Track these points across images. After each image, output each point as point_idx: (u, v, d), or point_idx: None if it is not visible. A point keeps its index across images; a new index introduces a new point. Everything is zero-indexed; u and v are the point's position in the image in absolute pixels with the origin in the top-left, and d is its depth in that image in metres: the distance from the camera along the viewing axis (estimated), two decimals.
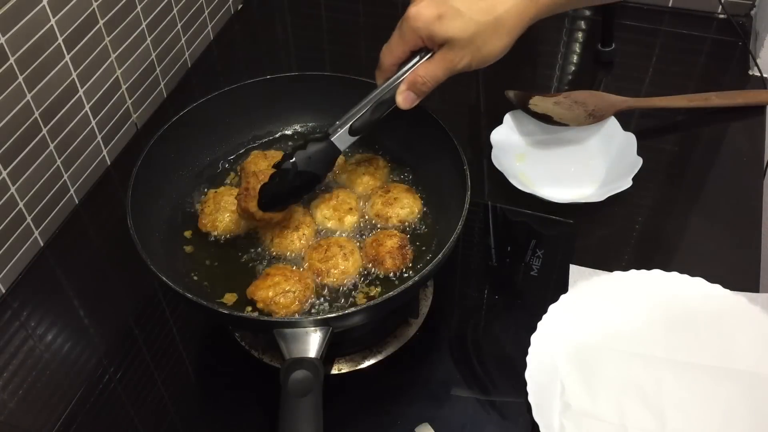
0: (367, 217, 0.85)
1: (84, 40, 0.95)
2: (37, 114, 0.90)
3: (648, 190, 1.01)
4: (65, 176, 0.97)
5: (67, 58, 0.93)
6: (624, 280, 0.87)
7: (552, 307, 0.83)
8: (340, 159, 0.86)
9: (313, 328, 0.69)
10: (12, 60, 0.84)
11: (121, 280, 0.94)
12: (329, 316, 0.69)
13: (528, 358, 0.79)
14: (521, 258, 0.93)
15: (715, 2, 1.27)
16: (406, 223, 0.84)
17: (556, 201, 0.97)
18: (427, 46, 0.72)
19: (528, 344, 0.80)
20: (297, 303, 0.76)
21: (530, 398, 0.76)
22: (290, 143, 0.94)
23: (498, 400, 0.80)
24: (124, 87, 1.06)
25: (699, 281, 0.86)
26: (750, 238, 0.96)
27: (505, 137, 1.06)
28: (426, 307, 0.88)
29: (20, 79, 0.86)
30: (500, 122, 1.07)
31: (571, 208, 0.97)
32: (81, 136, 0.99)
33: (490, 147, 1.03)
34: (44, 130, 0.91)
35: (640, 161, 0.99)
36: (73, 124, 0.96)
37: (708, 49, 1.25)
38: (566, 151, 1.07)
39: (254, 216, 0.78)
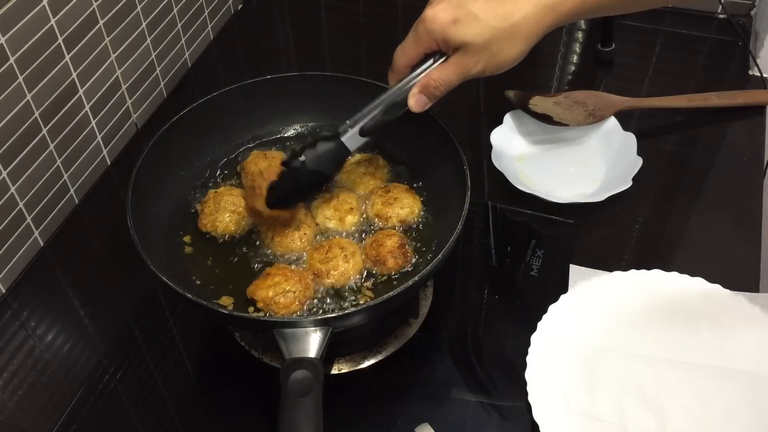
0: (367, 217, 0.85)
1: (84, 40, 0.95)
2: (37, 114, 0.90)
3: (648, 190, 1.01)
4: (65, 176, 0.97)
5: (67, 58, 0.93)
6: (624, 280, 0.87)
7: (552, 307, 0.83)
8: None
9: (313, 328, 0.69)
10: (12, 60, 0.84)
11: (121, 280, 0.94)
12: (329, 316, 0.69)
13: (528, 358, 0.79)
14: (521, 258, 0.93)
15: (715, 2, 1.27)
16: (406, 223, 0.84)
17: (556, 201, 0.97)
18: (442, 50, 0.71)
19: (528, 344, 0.80)
20: (297, 303, 0.76)
21: (530, 398, 0.76)
22: (290, 143, 0.94)
23: (498, 400, 0.80)
24: (124, 87, 1.06)
25: (699, 281, 0.86)
26: (750, 238, 0.96)
27: (505, 137, 1.06)
28: (426, 307, 0.88)
29: (20, 79, 0.86)
30: (500, 122, 1.07)
31: (571, 208, 0.97)
32: (81, 136, 0.99)
33: (490, 147, 1.03)
34: (44, 130, 0.91)
35: (640, 161, 0.99)
36: (73, 124, 0.96)
37: (708, 49, 1.25)
38: (566, 151, 1.07)
39: (262, 214, 0.78)
